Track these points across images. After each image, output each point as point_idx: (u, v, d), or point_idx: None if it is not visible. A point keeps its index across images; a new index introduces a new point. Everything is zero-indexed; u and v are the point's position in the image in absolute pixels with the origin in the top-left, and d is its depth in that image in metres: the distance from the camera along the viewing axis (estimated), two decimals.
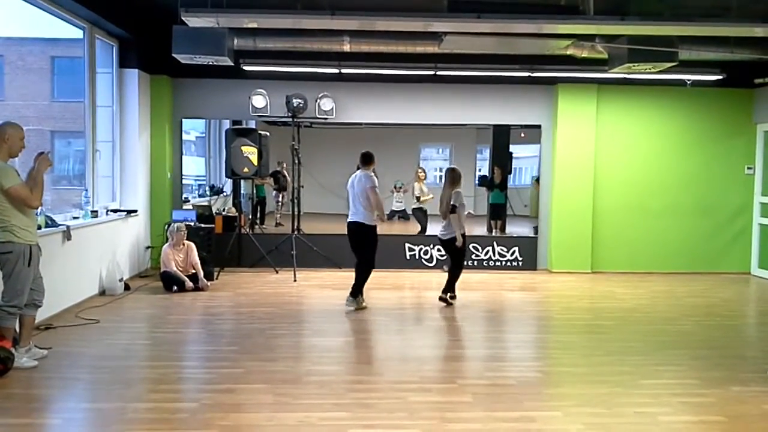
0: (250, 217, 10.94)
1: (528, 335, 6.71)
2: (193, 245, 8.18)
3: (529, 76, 9.23)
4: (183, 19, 6.26)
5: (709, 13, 6.53)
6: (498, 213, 10.86)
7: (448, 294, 7.54)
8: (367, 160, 7.32)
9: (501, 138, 11.19)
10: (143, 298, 7.61)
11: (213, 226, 9.19)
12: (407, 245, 9.92)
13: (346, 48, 7.92)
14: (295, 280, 8.71)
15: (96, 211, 7.75)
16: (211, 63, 7.22)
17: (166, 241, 8.24)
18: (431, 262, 9.90)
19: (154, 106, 9.34)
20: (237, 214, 9.95)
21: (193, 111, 9.88)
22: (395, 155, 11.99)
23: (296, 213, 9.79)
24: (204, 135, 12.39)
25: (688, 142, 10.06)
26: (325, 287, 8.43)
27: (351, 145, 9.51)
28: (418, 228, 10.87)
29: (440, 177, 14.20)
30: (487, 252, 9.97)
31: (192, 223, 8.71)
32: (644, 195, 10.01)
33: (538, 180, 10.39)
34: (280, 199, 12.84)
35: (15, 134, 4.86)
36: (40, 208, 5.54)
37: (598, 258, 9.96)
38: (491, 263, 9.97)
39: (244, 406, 4.27)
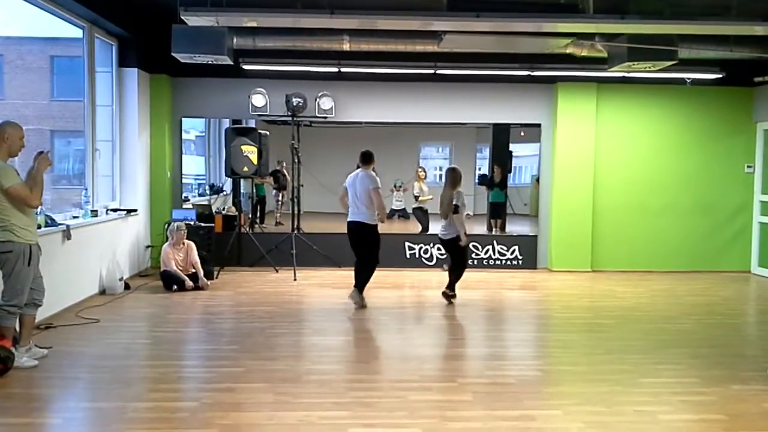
0: (250, 216, 10.95)
1: (528, 334, 6.71)
2: (193, 244, 8.18)
3: (529, 75, 9.23)
4: (182, 18, 6.26)
5: (709, 11, 6.52)
6: (498, 212, 10.86)
7: (450, 292, 7.57)
8: (367, 159, 7.33)
9: (501, 137, 11.19)
10: (143, 297, 7.61)
11: (213, 225, 9.18)
12: (407, 244, 9.93)
13: (346, 47, 7.91)
14: (295, 279, 8.71)
15: (96, 211, 7.75)
16: (210, 62, 7.22)
17: (166, 241, 8.23)
18: (431, 261, 9.90)
19: (154, 105, 9.33)
20: (237, 213, 9.95)
21: (192, 110, 9.87)
22: (395, 154, 12.01)
23: (296, 212, 9.79)
24: (204, 134, 12.40)
25: (688, 141, 10.06)
26: (325, 286, 8.43)
27: (351, 144, 9.52)
28: (419, 227, 10.88)
29: (440, 176, 14.24)
30: (487, 251, 9.97)
31: (192, 223, 8.70)
32: (644, 194, 10.01)
33: (538, 179, 10.39)
34: (279, 198, 12.85)
35: (15, 133, 4.86)
36: (39, 207, 5.54)
37: (598, 257, 9.96)
38: (491, 262, 9.97)
39: (244, 405, 4.26)
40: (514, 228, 11.05)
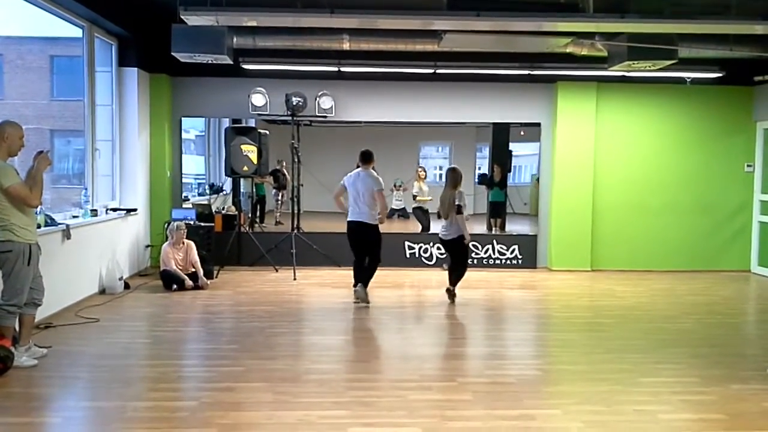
0: (250, 215, 10.95)
1: (528, 333, 6.71)
2: (192, 244, 8.18)
3: (529, 74, 9.23)
4: (182, 17, 6.26)
5: (709, 10, 6.52)
6: (498, 211, 10.86)
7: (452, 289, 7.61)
8: (367, 158, 7.34)
9: (501, 136, 11.19)
10: (143, 296, 7.61)
11: (213, 224, 9.18)
12: (407, 244, 9.92)
13: (346, 46, 7.91)
14: (294, 279, 8.71)
15: (95, 210, 7.75)
16: (210, 61, 7.21)
17: (166, 240, 8.23)
18: (431, 261, 9.90)
19: (154, 105, 9.33)
20: (237, 212, 9.94)
21: (192, 109, 9.87)
22: (395, 153, 12.01)
23: (296, 211, 9.79)
24: (203, 133, 12.40)
25: (688, 140, 10.06)
26: (324, 285, 8.43)
27: (350, 144, 9.52)
28: (419, 227, 10.88)
29: (440, 176, 14.24)
30: (487, 250, 9.96)
31: (192, 222, 8.70)
32: (644, 193, 10.00)
33: (538, 178, 10.38)
34: (279, 197, 12.85)
35: (14, 133, 4.86)
36: (39, 207, 5.54)
37: (597, 256, 9.96)
38: (491, 261, 9.97)
39: (243, 405, 4.26)
40: (513, 227, 11.05)
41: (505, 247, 10.00)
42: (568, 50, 7.92)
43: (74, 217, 7.37)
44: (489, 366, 5.25)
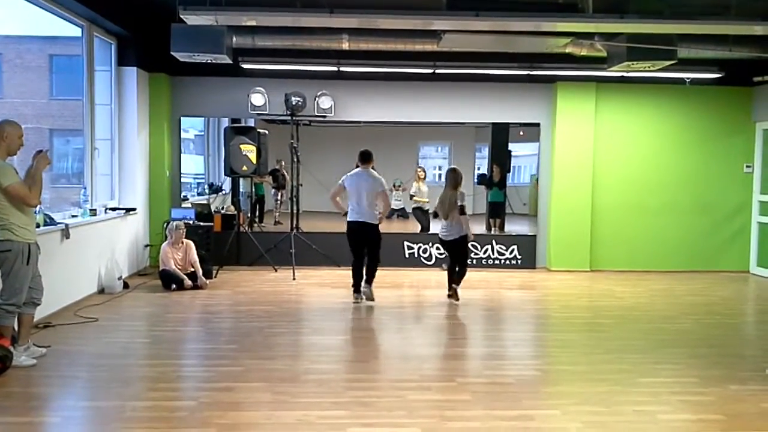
0: (249, 215, 10.95)
1: (527, 333, 6.71)
2: (191, 243, 8.18)
3: (528, 75, 9.24)
4: (181, 17, 6.25)
5: (709, 11, 6.52)
6: (497, 211, 10.86)
7: (449, 291, 7.62)
8: (366, 158, 7.35)
9: (500, 136, 11.19)
10: (142, 296, 7.61)
11: (212, 224, 9.17)
12: (406, 244, 9.92)
13: (345, 46, 7.91)
14: (294, 279, 8.71)
15: (95, 210, 7.74)
16: (209, 61, 7.21)
17: (165, 240, 8.23)
18: (430, 261, 9.90)
19: (153, 104, 9.32)
20: (236, 212, 9.93)
21: (191, 109, 9.86)
22: (394, 153, 12.03)
23: (295, 211, 9.79)
24: (203, 133, 12.40)
25: (687, 141, 10.06)
26: (324, 285, 8.43)
27: (350, 144, 9.53)
28: (418, 227, 10.88)
29: (439, 176, 14.26)
30: (486, 250, 9.96)
31: (191, 222, 8.70)
32: (643, 193, 10.01)
33: (537, 179, 10.38)
34: (278, 197, 12.87)
35: (13, 132, 4.85)
36: (38, 206, 5.54)
37: (596, 256, 9.96)
38: (490, 261, 9.97)
39: (242, 405, 4.26)
40: (513, 228, 11.06)
41: (504, 248, 10.00)
42: (567, 50, 7.92)
43: (73, 216, 7.36)
44: (488, 366, 5.25)
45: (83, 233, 7.20)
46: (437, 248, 9.68)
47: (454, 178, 7.44)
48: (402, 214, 12.24)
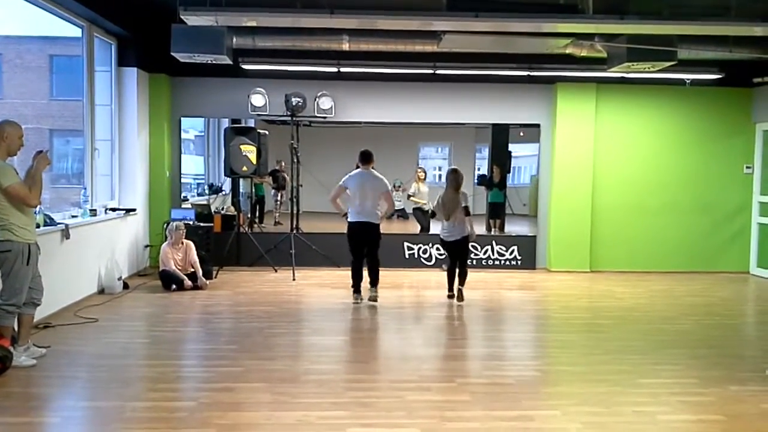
0: (249, 215, 10.95)
1: (527, 334, 6.71)
2: (191, 244, 8.18)
3: (528, 75, 9.23)
4: (182, 17, 6.25)
5: (709, 12, 6.52)
6: (497, 212, 10.87)
7: (449, 292, 7.66)
8: (367, 158, 7.37)
9: (500, 137, 11.20)
10: (142, 296, 7.61)
11: (212, 224, 9.18)
12: (406, 244, 9.92)
13: (345, 47, 7.91)
14: (293, 279, 8.71)
15: (95, 210, 7.74)
16: (209, 62, 7.21)
17: (165, 240, 8.23)
18: (430, 261, 9.90)
19: (153, 105, 9.32)
20: (236, 212, 9.94)
21: (191, 109, 9.87)
22: (394, 154, 12.02)
23: (295, 212, 9.79)
24: (203, 134, 12.40)
25: (687, 141, 10.06)
26: (323, 286, 8.43)
27: (350, 144, 9.52)
28: (418, 227, 10.88)
29: (439, 176, 14.26)
30: (486, 251, 9.96)
31: (191, 222, 8.70)
32: (643, 194, 10.01)
33: (537, 179, 10.38)
34: (278, 197, 12.87)
35: (14, 133, 4.85)
36: (38, 206, 5.54)
37: (596, 257, 9.96)
38: (490, 262, 9.97)
39: (242, 405, 4.26)
40: (513, 228, 11.06)
41: (504, 248, 10.00)
42: (567, 51, 7.92)
43: (73, 216, 7.36)
44: (488, 367, 5.25)
45: (83, 233, 7.20)
46: (437, 249, 9.68)
47: (455, 179, 7.43)
48: (402, 214, 12.25)
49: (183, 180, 10.16)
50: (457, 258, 7.60)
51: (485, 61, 8.95)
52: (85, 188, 7.86)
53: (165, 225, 8.59)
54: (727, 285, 9.20)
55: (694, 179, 10.06)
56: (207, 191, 12.06)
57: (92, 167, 8.11)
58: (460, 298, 7.44)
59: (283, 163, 12.27)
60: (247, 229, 10.09)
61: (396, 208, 11.48)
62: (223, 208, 10.67)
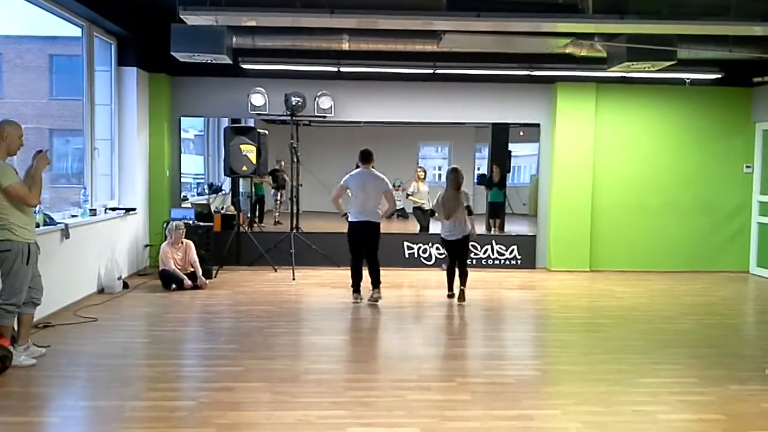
0: (249, 215, 10.95)
1: (527, 333, 6.71)
2: (191, 243, 8.18)
3: (528, 75, 9.23)
4: (181, 17, 6.25)
5: (708, 11, 6.51)
6: (497, 211, 10.88)
7: (449, 291, 7.67)
8: (367, 157, 7.37)
9: (500, 136, 11.20)
10: (142, 296, 7.61)
11: (212, 224, 9.17)
12: (406, 244, 9.92)
13: (345, 46, 7.90)
14: (293, 279, 8.71)
15: (94, 210, 7.74)
16: (209, 61, 7.21)
17: (165, 240, 8.23)
18: (430, 261, 9.90)
19: (153, 104, 9.32)
20: (236, 212, 9.94)
21: (191, 109, 9.86)
22: (394, 154, 12.03)
23: (295, 211, 9.78)
24: (203, 133, 12.41)
25: (687, 141, 10.06)
26: (323, 285, 8.43)
27: (350, 144, 9.54)
28: (417, 227, 10.88)
29: (439, 176, 14.27)
30: (486, 250, 9.96)
31: (191, 222, 8.69)
32: (643, 193, 10.01)
33: (537, 179, 10.38)
34: (278, 197, 12.88)
35: (13, 132, 4.85)
36: (38, 206, 5.54)
37: (596, 256, 9.96)
38: (490, 262, 9.97)
39: (242, 405, 4.26)
40: (512, 228, 11.07)
41: (504, 248, 10.00)
42: (567, 51, 7.92)
43: (73, 216, 7.36)
44: (488, 366, 5.25)
45: (83, 233, 7.20)
46: (437, 248, 9.69)
47: (456, 179, 7.43)
48: (402, 214, 12.26)
49: (183, 179, 10.16)
50: (458, 257, 7.60)
51: (485, 61, 8.95)
52: (85, 188, 7.85)
53: (165, 224, 8.59)
54: (727, 284, 9.20)
55: (694, 179, 10.06)
56: (207, 191, 12.07)
57: (92, 167, 8.11)
58: (462, 298, 7.44)
59: (282, 163, 12.28)
60: (246, 228, 10.09)
61: (395, 209, 11.55)
62: (222, 208, 10.68)
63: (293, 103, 9.21)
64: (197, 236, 8.49)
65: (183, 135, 10.17)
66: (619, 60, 7.44)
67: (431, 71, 9.11)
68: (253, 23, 6.85)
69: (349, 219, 7.34)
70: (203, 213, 9.31)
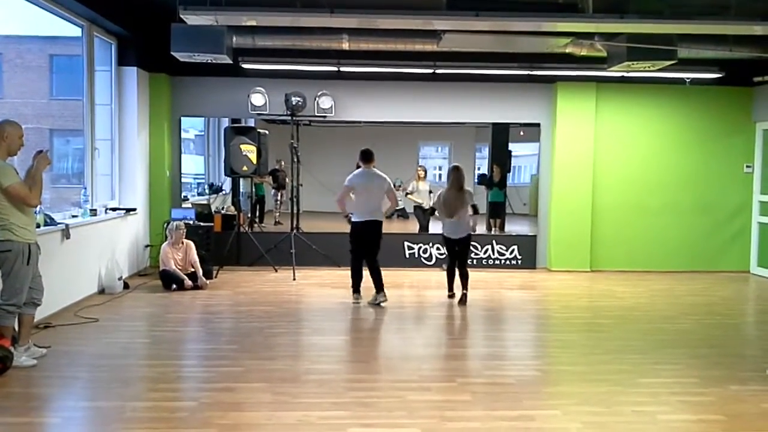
0: (249, 215, 10.95)
1: (527, 334, 6.71)
2: (192, 244, 8.18)
3: (528, 75, 9.23)
4: (182, 16, 6.25)
5: (709, 11, 6.51)
6: (497, 211, 10.87)
7: (449, 292, 7.68)
8: (369, 157, 7.37)
9: (500, 136, 11.20)
10: (142, 296, 7.61)
11: (212, 224, 9.17)
12: (406, 244, 9.92)
13: (345, 46, 7.91)
14: (294, 279, 8.71)
15: (95, 210, 7.74)
16: (209, 61, 7.21)
17: (165, 240, 8.23)
18: (430, 261, 9.89)
19: (153, 104, 9.32)
20: (236, 212, 9.94)
21: (191, 109, 9.86)
22: (394, 153, 12.02)
23: (295, 211, 9.78)
24: (203, 133, 12.41)
25: (687, 141, 10.06)
26: (324, 286, 8.43)
27: (350, 144, 9.53)
28: (417, 227, 10.87)
29: (439, 176, 14.26)
30: (487, 250, 9.96)
31: (191, 222, 8.70)
32: (643, 193, 10.01)
33: (538, 179, 10.38)
34: (279, 197, 12.88)
35: (14, 132, 4.85)
36: (38, 206, 5.54)
37: (597, 256, 9.96)
38: (490, 262, 9.97)
39: (243, 405, 4.26)
40: (513, 228, 11.07)
41: (504, 248, 10.00)
42: (567, 50, 7.92)
43: (73, 216, 7.36)
44: (488, 366, 5.25)
45: (83, 233, 7.20)
46: (437, 248, 9.69)
47: (458, 178, 7.41)
48: (402, 214, 12.25)
49: (183, 180, 10.16)
50: (459, 256, 7.59)
51: (485, 61, 8.95)
52: (86, 188, 7.85)
53: (165, 225, 8.59)
54: (728, 284, 9.20)
55: (694, 178, 10.06)
56: (207, 191, 12.07)
57: (92, 167, 8.11)
58: (464, 301, 7.41)
59: (283, 163, 12.27)
60: (247, 228, 10.09)
61: (396, 207, 11.55)
62: (223, 208, 10.68)
63: (293, 103, 9.21)
64: (198, 236, 8.49)
65: (183, 135, 10.17)
66: (619, 60, 7.44)
67: (431, 71, 9.11)
68: (253, 23, 6.85)
69: (354, 219, 7.32)
70: (204, 213, 9.31)
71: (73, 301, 6.92)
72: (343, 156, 10.62)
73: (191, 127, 11.46)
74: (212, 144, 12.43)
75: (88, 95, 7.97)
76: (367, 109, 9.89)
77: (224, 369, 4.99)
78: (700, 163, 10.06)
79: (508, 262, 10.00)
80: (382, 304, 7.26)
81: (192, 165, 11.80)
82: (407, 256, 9.90)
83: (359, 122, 10.25)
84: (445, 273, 7.92)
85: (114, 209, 8.38)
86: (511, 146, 11.58)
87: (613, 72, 8.06)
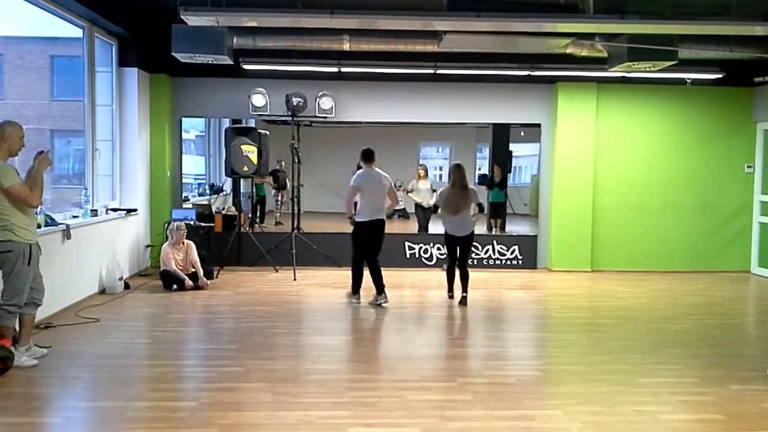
0: (250, 215, 10.96)
1: (528, 334, 6.71)
2: (192, 244, 8.19)
3: (529, 75, 9.23)
4: (182, 17, 6.26)
5: (709, 11, 6.52)
6: (498, 211, 10.88)
7: (449, 292, 7.70)
8: (370, 156, 7.37)
9: (501, 137, 11.21)
10: (143, 296, 7.61)
11: (213, 224, 9.18)
12: (407, 244, 9.92)
13: (346, 47, 7.91)
14: (294, 279, 8.71)
15: (96, 210, 7.75)
16: (210, 62, 7.22)
17: (166, 240, 8.24)
18: (431, 261, 9.90)
19: (154, 105, 9.33)
20: (237, 212, 9.95)
21: (192, 110, 9.87)
22: (395, 154, 12.02)
23: (296, 212, 9.78)
24: (204, 134, 12.42)
25: (688, 141, 10.06)
26: (324, 286, 8.43)
27: (351, 144, 9.53)
28: (417, 226, 10.87)
29: (440, 176, 14.26)
30: (487, 250, 9.96)
31: (192, 222, 8.71)
32: (644, 193, 10.01)
33: (538, 179, 10.38)
34: (279, 197, 12.89)
35: (15, 133, 4.86)
36: (39, 207, 5.54)
37: (597, 256, 9.96)
38: (491, 262, 9.97)
39: (243, 405, 4.27)
40: (514, 228, 11.07)
41: (505, 248, 10.00)
42: (568, 51, 7.93)
43: (74, 217, 7.37)
44: (489, 366, 5.25)
45: (84, 234, 7.21)
46: (438, 248, 9.69)
47: (461, 178, 7.38)
48: (403, 214, 12.25)
49: (184, 180, 10.17)
50: (460, 255, 7.59)
51: (486, 61, 8.95)
52: (86, 188, 7.86)
53: (166, 225, 8.59)
54: (728, 284, 9.19)
55: (694, 179, 10.06)
56: (208, 191, 12.08)
57: (93, 167, 8.12)
58: (464, 303, 7.40)
59: (283, 163, 12.28)
60: (248, 229, 10.10)
61: (397, 207, 11.55)
62: (224, 208, 10.68)
63: (294, 104, 9.22)
64: (198, 237, 8.50)
65: (184, 135, 10.18)
66: (619, 60, 7.45)
67: (432, 71, 9.12)
68: (253, 24, 6.86)
69: (359, 219, 7.29)
70: (204, 213, 9.32)
71: (73, 302, 6.93)
72: (343, 156, 10.63)
73: (192, 127, 11.48)
74: (213, 144, 12.44)
75: (89, 96, 7.98)
76: (368, 109, 9.89)
77: (225, 369, 4.99)
78: (701, 163, 10.06)
79: (508, 262, 10.00)
80: (383, 304, 7.26)
81: (193, 165, 11.81)
82: (408, 256, 9.90)
83: (360, 123, 10.25)
84: (445, 273, 7.92)
85: (115, 210, 8.39)
86: (512, 146, 11.59)
87: (614, 72, 8.06)
